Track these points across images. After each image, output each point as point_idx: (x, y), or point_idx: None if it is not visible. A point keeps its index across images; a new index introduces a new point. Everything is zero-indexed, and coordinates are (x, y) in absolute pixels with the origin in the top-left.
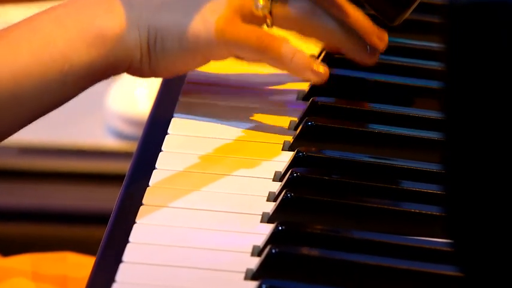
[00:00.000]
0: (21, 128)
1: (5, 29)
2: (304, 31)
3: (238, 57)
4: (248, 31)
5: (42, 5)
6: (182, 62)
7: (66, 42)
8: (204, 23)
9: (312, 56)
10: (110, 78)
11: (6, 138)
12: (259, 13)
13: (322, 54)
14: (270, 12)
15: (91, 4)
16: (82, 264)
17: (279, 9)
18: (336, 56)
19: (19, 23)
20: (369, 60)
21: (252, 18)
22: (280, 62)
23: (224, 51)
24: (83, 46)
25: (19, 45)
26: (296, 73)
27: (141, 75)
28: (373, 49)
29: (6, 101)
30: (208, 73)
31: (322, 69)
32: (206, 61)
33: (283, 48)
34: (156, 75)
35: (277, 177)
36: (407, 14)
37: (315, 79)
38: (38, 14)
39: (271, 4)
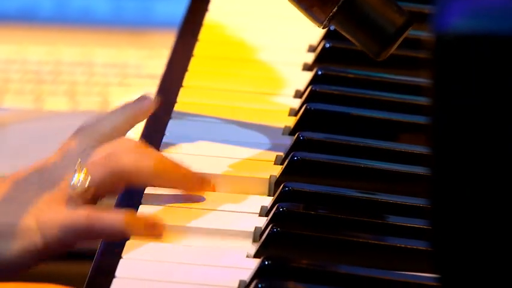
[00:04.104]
0: None
1: None
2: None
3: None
4: (69, 215)
5: None
6: (19, 262)
7: None
8: (29, 221)
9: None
10: None
11: None
12: (78, 192)
13: (308, 90)
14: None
15: None
16: None
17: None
18: (321, 91)
19: None
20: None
21: (79, 198)
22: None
23: (56, 244)
24: None
25: None
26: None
27: None
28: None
29: None
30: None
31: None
32: (44, 256)
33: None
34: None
35: (264, 212)
36: (392, 49)
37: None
38: None
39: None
